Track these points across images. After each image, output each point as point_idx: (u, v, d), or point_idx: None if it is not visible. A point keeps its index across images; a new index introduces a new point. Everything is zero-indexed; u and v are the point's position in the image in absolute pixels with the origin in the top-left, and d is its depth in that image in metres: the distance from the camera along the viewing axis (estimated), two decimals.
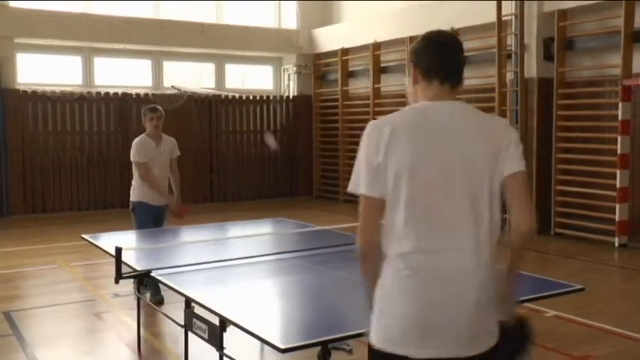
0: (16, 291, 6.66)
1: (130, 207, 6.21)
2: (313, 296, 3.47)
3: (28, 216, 11.17)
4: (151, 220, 6.03)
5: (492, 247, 2.12)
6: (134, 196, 6.17)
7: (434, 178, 2.09)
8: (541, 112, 9.28)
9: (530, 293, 3.57)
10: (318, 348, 3.62)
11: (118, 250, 3.81)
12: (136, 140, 6.18)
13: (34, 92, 11.41)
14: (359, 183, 2.13)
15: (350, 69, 13.14)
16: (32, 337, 4.98)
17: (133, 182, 6.20)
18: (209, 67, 13.63)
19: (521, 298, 3.54)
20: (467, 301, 2.07)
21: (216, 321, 3.10)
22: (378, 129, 2.14)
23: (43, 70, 11.96)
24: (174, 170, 6.28)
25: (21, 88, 11.34)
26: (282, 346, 2.51)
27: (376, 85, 12.19)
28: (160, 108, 6.27)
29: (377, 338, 2.13)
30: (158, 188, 6.07)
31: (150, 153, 6.09)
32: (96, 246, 4.72)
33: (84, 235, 5.03)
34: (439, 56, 2.22)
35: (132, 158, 6.15)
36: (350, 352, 4.46)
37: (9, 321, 5.39)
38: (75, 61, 12.21)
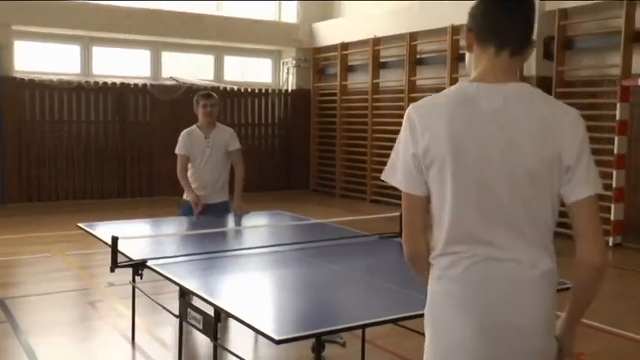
0: (11, 278, 6.65)
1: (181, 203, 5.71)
2: (308, 289, 3.47)
3: (24, 204, 11.14)
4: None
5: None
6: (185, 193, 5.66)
7: (490, 177, 1.77)
8: None
9: None
10: (312, 340, 3.64)
11: (115, 239, 3.80)
12: (184, 131, 5.70)
13: (31, 80, 11.37)
14: (396, 174, 1.88)
15: (349, 64, 13.12)
16: (26, 325, 4.98)
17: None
18: (208, 59, 13.60)
19: None
20: (529, 318, 1.81)
21: (211, 312, 3.10)
22: (417, 114, 1.85)
23: (41, 59, 11.92)
24: (236, 165, 5.71)
25: (18, 76, 11.30)
26: (276, 338, 2.51)
27: (375, 81, 12.17)
28: (214, 94, 5.73)
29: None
30: (187, 187, 5.51)
31: (195, 145, 5.56)
32: (92, 235, 4.70)
33: (80, 224, 5.01)
34: (496, 14, 1.82)
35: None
36: (343, 345, 4.47)
37: (3, 308, 5.38)
38: (73, 50, 12.17)
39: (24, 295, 5.96)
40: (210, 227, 5.06)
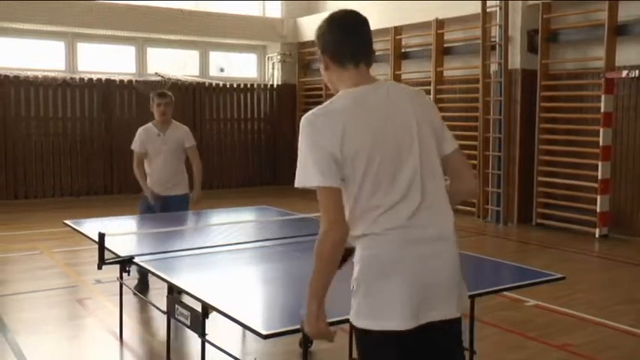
0: None
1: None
2: (295, 283, 3.48)
3: (10, 201, 11.08)
4: (153, 210, 5.75)
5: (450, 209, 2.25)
6: None
7: (395, 157, 2.13)
8: (524, 104, 9.34)
9: (511, 282, 3.61)
10: (300, 335, 3.64)
11: (101, 236, 3.79)
12: (140, 128, 5.97)
13: (16, 77, 11.29)
14: (312, 177, 2.09)
15: None
16: (13, 323, 4.96)
17: None
18: (193, 55, 13.55)
19: (502, 287, 3.59)
20: (449, 265, 2.17)
21: (198, 307, 3.11)
22: (323, 120, 2.12)
23: (25, 55, 11.82)
24: (193, 160, 5.99)
25: (2, 72, 11.21)
26: (263, 332, 2.52)
27: None
28: (168, 93, 5.94)
29: (367, 318, 2.14)
30: (142, 182, 5.84)
31: (150, 142, 5.82)
32: (78, 232, 4.69)
33: (66, 221, 4.99)
34: (346, 38, 2.20)
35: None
36: (331, 339, 4.48)
37: None
38: (58, 47, 12.08)
39: (11, 293, 5.93)
40: (196, 223, 5.06)
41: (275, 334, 2.57)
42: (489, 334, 4.70)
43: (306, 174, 2.10)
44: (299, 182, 2.13)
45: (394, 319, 2.10)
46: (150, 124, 5.93)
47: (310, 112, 2.17)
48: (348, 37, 2.20)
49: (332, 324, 3.04)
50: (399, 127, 2.15)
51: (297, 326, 2.72)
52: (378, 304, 2.12)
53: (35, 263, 7.00)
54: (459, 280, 2.23)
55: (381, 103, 2.17)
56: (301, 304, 2.25)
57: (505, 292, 5.09)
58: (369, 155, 2.10)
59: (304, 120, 2.14)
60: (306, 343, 3.33)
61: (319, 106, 2.19)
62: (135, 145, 5.89)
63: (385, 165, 2.12)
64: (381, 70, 11.77)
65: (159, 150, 5.82)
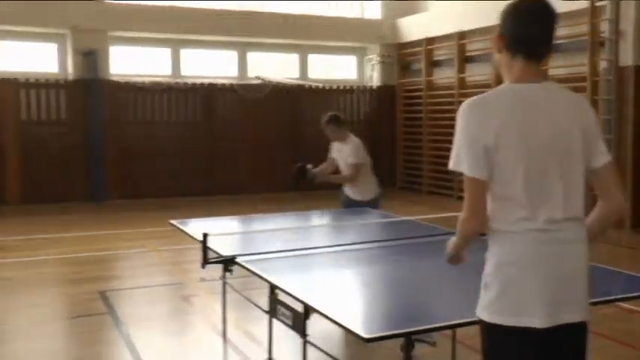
0: (111, 272, 6.95)
1: None
2: (397, 287, 3.44)
3: (122, 201, 11.60)
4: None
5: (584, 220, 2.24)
6: None
7: (544, 159, 2.13)
8: (638, 102, 8.87)
9: (626, 292, 3.41)
10: (402, 339, 3.60)
11: (205, 236, 3.89)
12: None
13: (126, 83, 11.83)
14: (462, 163, 2.16)
15: (434, 59, 12.94)
16: (125, 316, 5.19)
17: None
18: (293, 58, 13.72)
19: (616, 297, 3.39)
20: (582, 268, 2.18)
21: (299, 308, 3.12)
22: (480, 110, 2.16)
23: (134, 62, 12.38)
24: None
25: (114, 79, 11.79)
26: (366, 336, 2.49)
27: (461, 75, 11.95)
28: (326, 118, 6.30)
29: (501, 313, 2.15)
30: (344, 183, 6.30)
31: (334, 152, 6.40)
32: (183, 232, 4.83)
33: (172, 221, 5.16)
34: (524, 26, 2.14)
35: None
36: (434, 345, 4.40)
37: (104, 300, 5.66)
38: (164, 53, 12.57)
39: (123, 288, 6.22)
40: (297, 224, 5.10)
41: (378, 338, 2.54)
42: (603, 346, 4.47)
43: (458, 159, 2.17)
44: (452, 165, 2.21)
45: (533, 316, 2.11)
46: None
47: (471, 98, 2.19)
48: (527, 25, 2.14)
49: (436, 329, 3.00)
50: (554, 132, 2.15)
51: (400, 330, 2.68)
52: (515, 301, 2.14)
53: (143, 260, 7.30)
54: (587, 285, 2.22)
55: (540, 105, 2.15)
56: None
57: (619, 303, 4.83)
58: (518, 153, 2.11)
59: (464, 105, 2.18)
60: (408, 347, 3.27)
61: (480, 95, 2.20)
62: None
63: (533, 165, 2.12)
64: (482, 70, 11.51)
65: (339, 161, 6.32)
